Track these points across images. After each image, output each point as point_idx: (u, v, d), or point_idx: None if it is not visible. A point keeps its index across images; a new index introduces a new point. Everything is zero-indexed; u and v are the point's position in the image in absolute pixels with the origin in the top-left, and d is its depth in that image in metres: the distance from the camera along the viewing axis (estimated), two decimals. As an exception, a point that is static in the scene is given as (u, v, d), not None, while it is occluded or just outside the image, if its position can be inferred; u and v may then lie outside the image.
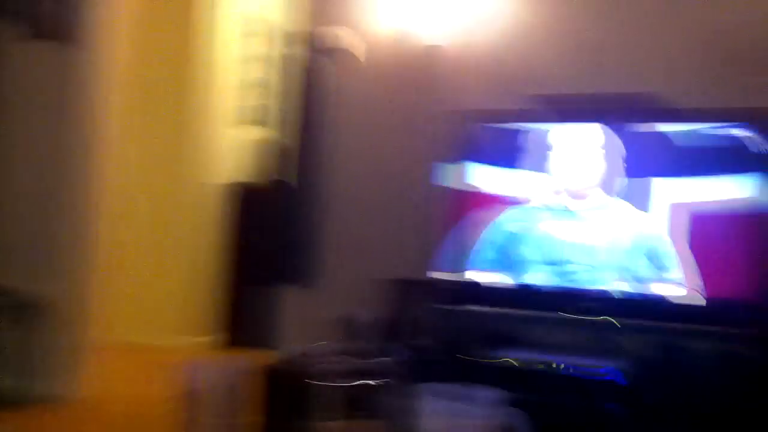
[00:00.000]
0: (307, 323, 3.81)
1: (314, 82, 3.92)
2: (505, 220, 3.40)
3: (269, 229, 3.89)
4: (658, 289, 3.12)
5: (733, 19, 3.30)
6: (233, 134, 3.96)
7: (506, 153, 3.42)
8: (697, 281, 3.05)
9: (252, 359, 3.25)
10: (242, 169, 3.97)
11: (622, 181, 3.23)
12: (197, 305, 3.93)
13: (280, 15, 4.10)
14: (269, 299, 3.97)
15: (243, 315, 3.97)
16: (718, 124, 3.07)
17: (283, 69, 3.97)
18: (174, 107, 3.92)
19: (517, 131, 3.39)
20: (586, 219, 3.30)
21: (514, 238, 3.40)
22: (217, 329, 3.94)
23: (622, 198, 3.24)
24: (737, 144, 3.03)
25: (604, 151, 3.27)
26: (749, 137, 3.01)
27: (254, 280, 3.94)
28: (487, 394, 1.27)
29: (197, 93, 3.85)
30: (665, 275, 3.11)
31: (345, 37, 3.89)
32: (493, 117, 3.52)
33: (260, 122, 4.05)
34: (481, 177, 3.47)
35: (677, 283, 3.08)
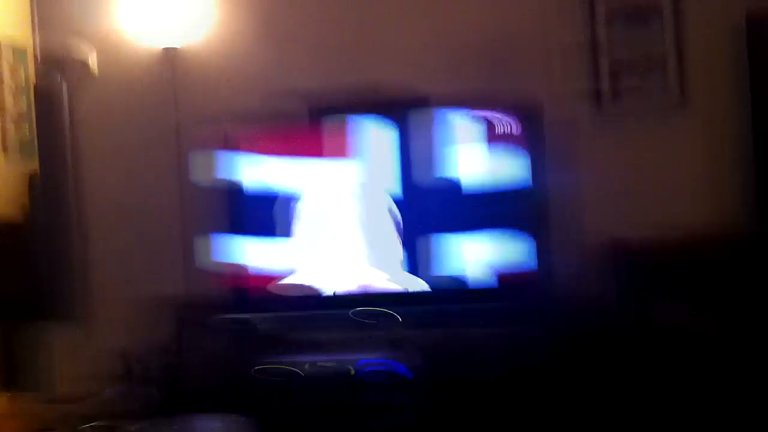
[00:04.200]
0: (76, 361, 3.71)
1: (53, 103, 3.61)
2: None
3: (27, 266, 3.61)
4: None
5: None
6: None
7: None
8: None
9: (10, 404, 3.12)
10: (4, 205, 3.69)
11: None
12: None
13: (24, 40, 3.83)
14: (33, 339, 3.75)
15: (7, 359, 3.71)
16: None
17: (31, 94, 3.72)
18: None
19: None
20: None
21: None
22: None
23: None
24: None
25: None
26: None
27: (17, 320, 3.68)
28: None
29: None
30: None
31: (76, 48, 3.68)
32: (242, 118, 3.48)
33: (20, 155, 3.75)
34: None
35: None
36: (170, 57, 3.72)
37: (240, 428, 2.84)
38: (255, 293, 3.43)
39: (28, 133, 3.77)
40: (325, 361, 3.18)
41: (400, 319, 3.27)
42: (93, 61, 3.77)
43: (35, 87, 3.74)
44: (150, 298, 3.64)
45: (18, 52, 3.76)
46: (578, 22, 3.42)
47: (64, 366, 3.81)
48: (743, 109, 3.26)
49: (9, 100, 3.70)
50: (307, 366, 3.17)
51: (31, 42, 3.86)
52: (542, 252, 3.20)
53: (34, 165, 3.76)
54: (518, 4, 3.49)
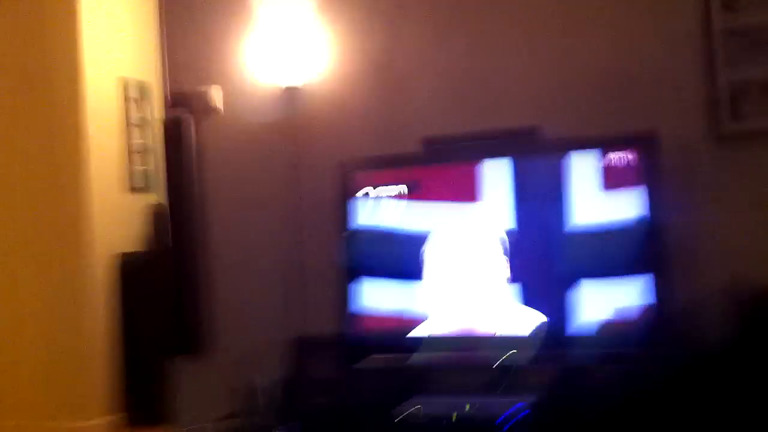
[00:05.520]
0: (207, 394, 3.78)
1: (185, 142, 3.82)
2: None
3: (158, 300, 3.75)
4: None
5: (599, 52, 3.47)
6: (118, 202, 3.76)
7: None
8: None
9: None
10: (128, 238, 3.79)
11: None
12: (89, 384, 3.66)
13: (151, 76, 4.01)
14: (165, 373, 3.84)
15: (139, 392, 3.75)
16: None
17: (161, 132, 3.87)
18: (53, 177, 3.71)
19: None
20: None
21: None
22: (113, 409, 3.71)
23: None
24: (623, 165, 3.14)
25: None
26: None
27: (148, 354, 3.77)
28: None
29: (77, 161, 3.64)
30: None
31: (202, 84, 3.88)
32: (374, 164, 3.50)
33: (145, 188, 3.86)
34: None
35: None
36: (291, 95, 3.81)
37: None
38: (379, 335, 3.45)
39: (153, 167, 3.91)
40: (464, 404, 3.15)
41: (511, 361, 3.26)
42: (218, 97, 3.94)
43: (164, 121, 3.91)
44: (273, 331, 3.74)
45: (144, 88, 3.93)
46: (696, 46, 3.33)
47: (191, 399, 3.89)
48: None
49: (135, 133, 3.86)
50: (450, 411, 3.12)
51: (156, 77, 4.03)
52: (660, 291, 3.07)
53: (157, 198, 3.91)
54: (633, 32, 3.40)
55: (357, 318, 3.47)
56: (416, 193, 3.40)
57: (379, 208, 3.44)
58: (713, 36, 3.29)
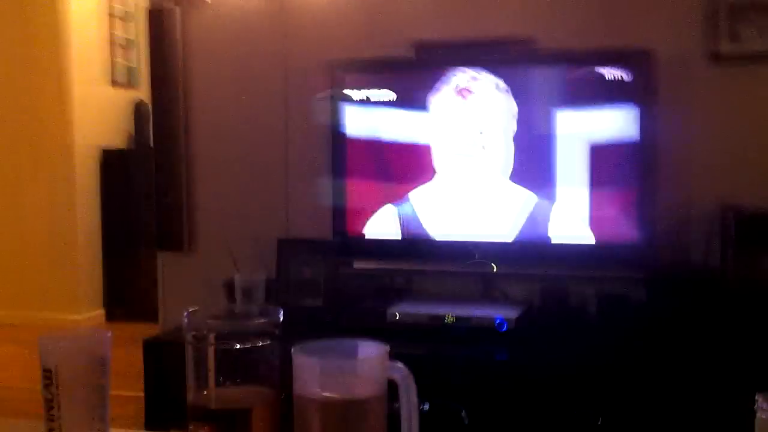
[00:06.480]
0: (188, 292, 3.78)
1: (170, 36, 3.71)
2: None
3: (140, 196, 3.72)
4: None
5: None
6: (100, 95, 3.68)
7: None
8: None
9: (130, 331, 3.18)
10: (110, 133, 3.74)
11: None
12: (69, 279, 3.72)
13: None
14: (146, 270, 3.76)
15: (120, 287, 3.81)
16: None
17: (145, 24, 3.74)
18: (33, 66, 3.59)
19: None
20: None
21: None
22: (96, 303, 3.79)
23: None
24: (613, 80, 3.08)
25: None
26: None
27: (129, 250, 3.78)
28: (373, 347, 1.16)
29: (58, 51, 3.54)
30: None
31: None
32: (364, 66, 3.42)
33: (128, 83, 3.79)
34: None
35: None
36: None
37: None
38: (365, 238, 3.46)
39: (135, 62, 3.82)
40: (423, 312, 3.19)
41: (495, 270, 3.29)
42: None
43: (149, 12, 3.78)
44: (255, 231, 3.71)
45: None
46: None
47: (171, 296, 3.91)
48: None
49: (118, 26, 3.75)
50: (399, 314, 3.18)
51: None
52: (647, 209, 3.09)
53: (140, 93, 3.83)
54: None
55: (341, 220, 3.47)
56: (405, 98, 3.36)
57: (366, 111, 3.40)
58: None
